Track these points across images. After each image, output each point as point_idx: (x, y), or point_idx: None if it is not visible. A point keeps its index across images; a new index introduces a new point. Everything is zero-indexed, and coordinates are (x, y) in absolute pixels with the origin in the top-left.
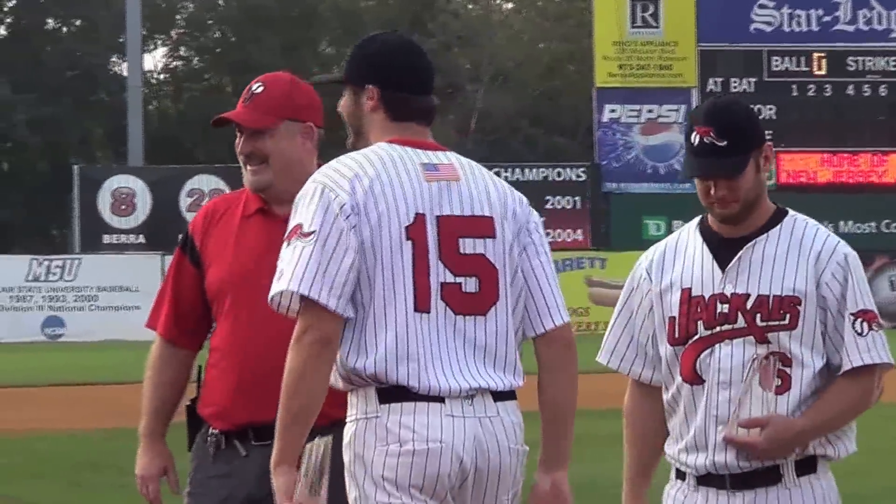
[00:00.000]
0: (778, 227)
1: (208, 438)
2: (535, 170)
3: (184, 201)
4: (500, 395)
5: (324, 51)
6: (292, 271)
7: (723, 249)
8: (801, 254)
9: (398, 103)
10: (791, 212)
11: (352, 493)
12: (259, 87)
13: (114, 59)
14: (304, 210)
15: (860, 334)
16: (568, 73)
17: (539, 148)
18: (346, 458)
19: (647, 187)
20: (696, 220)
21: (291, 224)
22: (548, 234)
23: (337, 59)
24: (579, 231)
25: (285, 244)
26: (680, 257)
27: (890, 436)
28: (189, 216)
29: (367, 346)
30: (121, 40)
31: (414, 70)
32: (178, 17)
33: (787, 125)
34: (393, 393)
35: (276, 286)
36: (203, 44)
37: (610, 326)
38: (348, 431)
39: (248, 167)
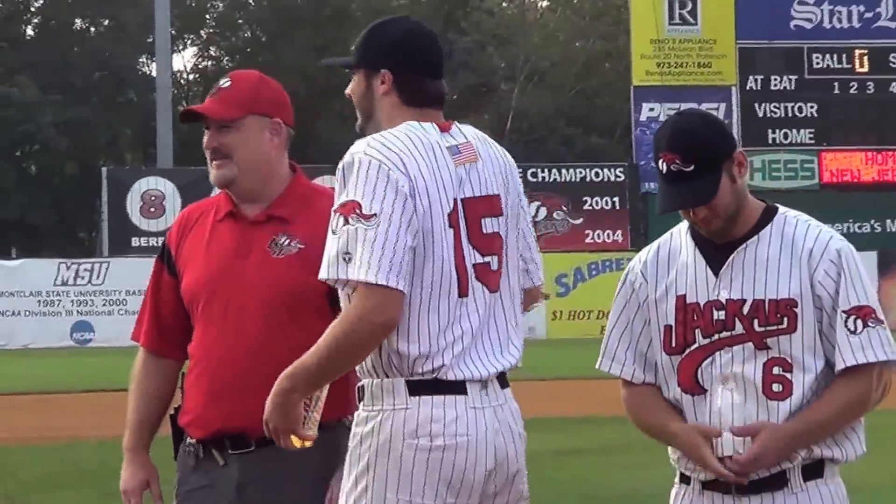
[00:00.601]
0: (768, 227)
1: (187, 448)
2: (572, 170)
3: None
4: (503, 382)
5: None
6: (361, 257)
7: (715, 254)
8: (793, 254)
9: (411, 87)
10: (781, 208)
11: (360, 485)
12: (226, 82)
13: (143, 60)
14: (362, 186)
15: (853, 332)
16: (605, 72)
17: (576, 148)
18: (358, 450)
19: None
20: (686, 222)
21: (343, 198)
22: (587, 234)
23: None
24: (618, 232)
25: (340, 220)
26: (674, 262)
27: None
28: None
29: (417, 331)
30: (149, 40)
31: (426, 54)
32: (207, 16)
33: (829, 123)
34: (423, 385)
35: (345, 271)
36: (233, 44)
37: (608, 331)
38: (368, 423)
39: (213, 162)
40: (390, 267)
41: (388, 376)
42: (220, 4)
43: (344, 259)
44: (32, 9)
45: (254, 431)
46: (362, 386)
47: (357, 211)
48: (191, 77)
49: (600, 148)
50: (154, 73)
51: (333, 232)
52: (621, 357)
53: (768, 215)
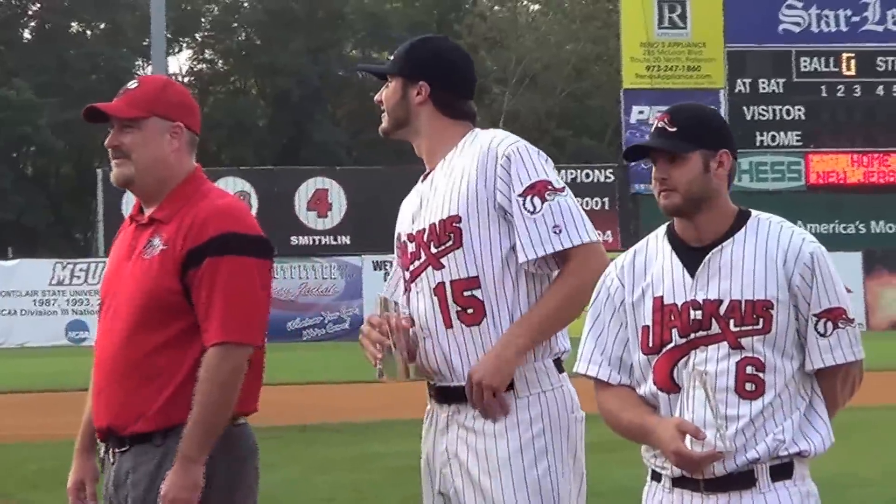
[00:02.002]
0: (742, 230)
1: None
2: (563, 171)
3: None
4: None
5: (349, 53)
6: (575, 223)
7: (690, 256)
8: (768, 256)
9: (446, 102)
10: (754, 212)
11: (541, 465)
12: (134, 83)
13: (138, 63)
14: (541, 167)
15: (822, 335)
16: (595, 75)
17: (567, 150)
18: (530, 433)
19: None
20: (663, 227)
21: (530, 180)
22: None
23: (364, 61)
24: (608, 233)
25: (536, 199)
26: (650, 266)
27: None
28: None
29: None
30: (145, 43)
31: (464, 74)
32: (202, 20)
33: (817, 126)
34: (559, 364)
35: (560, 242)
36: (228, 46)
37: (584, 335)
38: (532, 406)
39: (113, 161)
40: (591, 225)
41: (536, 359)
42: (215, 8)
43: (554, 232)
44: (29, 12)
45: (120, 428)
46: (518, 375)
47: (550, 187)
48: (186, 80)
49: (591, 150)
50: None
51: (532, 212)
52: (597, 359)
53: (742, 219)
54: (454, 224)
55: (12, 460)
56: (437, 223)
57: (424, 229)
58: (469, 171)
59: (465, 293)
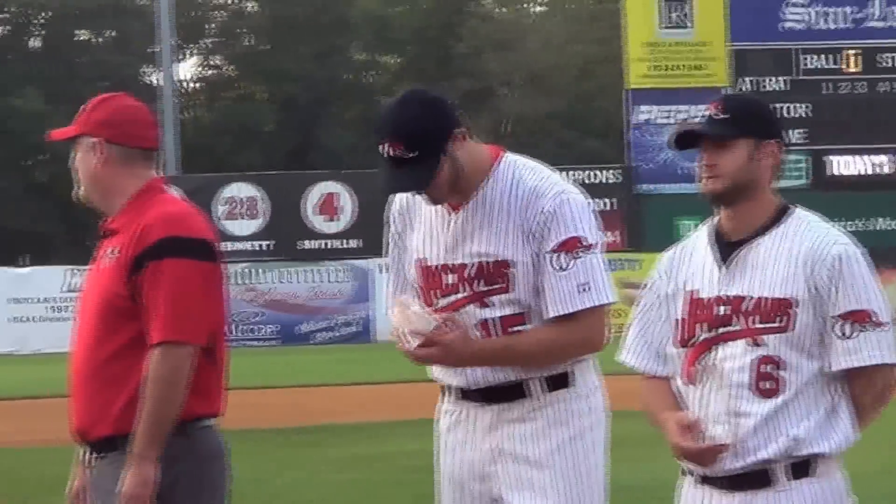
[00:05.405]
0: (778, 226)
1: None
2: (568, 172)
3: (220, 209)
4: None
5: (355, 57)
6: (600, 283)
7: (726, 250)
8: (795, 255)
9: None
10: (797, 209)
11: (592, 457)
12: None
13: (145, 70)
14: (577, 222)
15: (845, 337)
16: (600, 76)
17: (573, 151)
18: (580, 425)
19: (680, 188)
20: (710, 221)
21: (564, 237)
22: None
23: (370, 65)
24: (616, 233)
25: (567, 257)
26: (690, 260)
27: None
28: (226, 224)
29: None
30: (152, 50)
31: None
32: (209, 26)
33: (821, 123)
34: (594, 365)
35: (582, 301)
36: (235, 52)
37: (627, 327)
38: (581, 400)
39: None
40: (611, 283)
41: (583, 360)
42: (222, 14)
43: (582, 290)
44: (38, 21)
45: (85, 432)
46: (572, 371)
47: (581, 244)
48: (195, 86)
49: (596, 150)
50: (159, 83)
51: (561, 269)
52: (640, 350)
53: (781, 214)
54: (503, 270)
55: (29, 465)
56: (487, 264)
57: (467, 265)
58: (514, 217)
59: (511, 328)
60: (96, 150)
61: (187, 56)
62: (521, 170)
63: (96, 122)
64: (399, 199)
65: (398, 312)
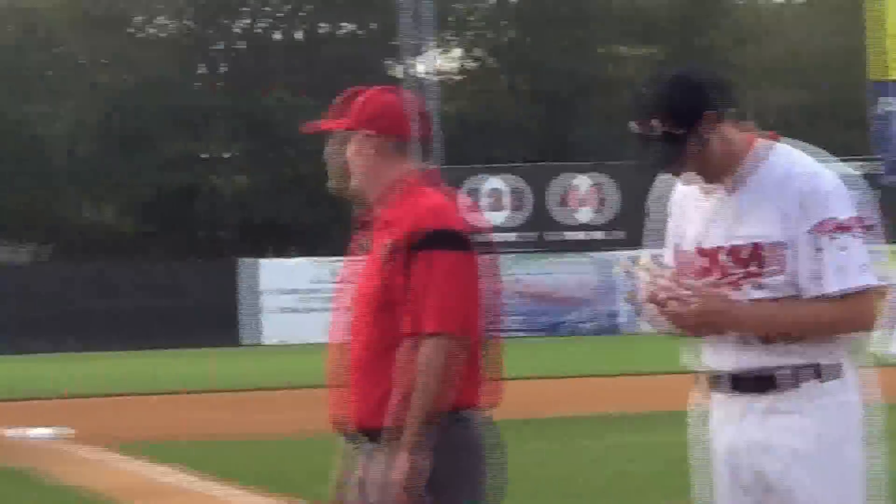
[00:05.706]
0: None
1: None
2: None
3: (482, 201)
4: None
5: (612, 49)
6: (870, 266)
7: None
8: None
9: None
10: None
11: (860, 452)
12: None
13: (400, 63)
14: (850, 208)
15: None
16: (844, 68)
17: (831, 143)
18: (853, 418)
19: None
20: None
21: (839, 216)
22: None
23: (628, 58)
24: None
25: (842, 237)
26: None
27: None
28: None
29: None
30: (416, 42)
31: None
32: (472, 17)
33: None
34: None
35: (865, 279)
36: (493, 44)
37: None
38: (857, 397)
39: None
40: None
41: (852, 353)
42: (481, 5)
43: (861, 270)
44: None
45: (364, 424)
46: (841, 364)
47: (853, 226)
48: (458, 78)
49: (845, 143)
50: (416, 75)
51: (841, 249)
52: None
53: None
54: (778, 250)
55: (301, 455)
56: (763, 244)
57: (739, 246)
58: (776, 200)
59: None
60: (368, 144)
61: (450, 47)
62: (792, 155)
63: (369, 115)
64: (675, 187)
65: (649, 275)
